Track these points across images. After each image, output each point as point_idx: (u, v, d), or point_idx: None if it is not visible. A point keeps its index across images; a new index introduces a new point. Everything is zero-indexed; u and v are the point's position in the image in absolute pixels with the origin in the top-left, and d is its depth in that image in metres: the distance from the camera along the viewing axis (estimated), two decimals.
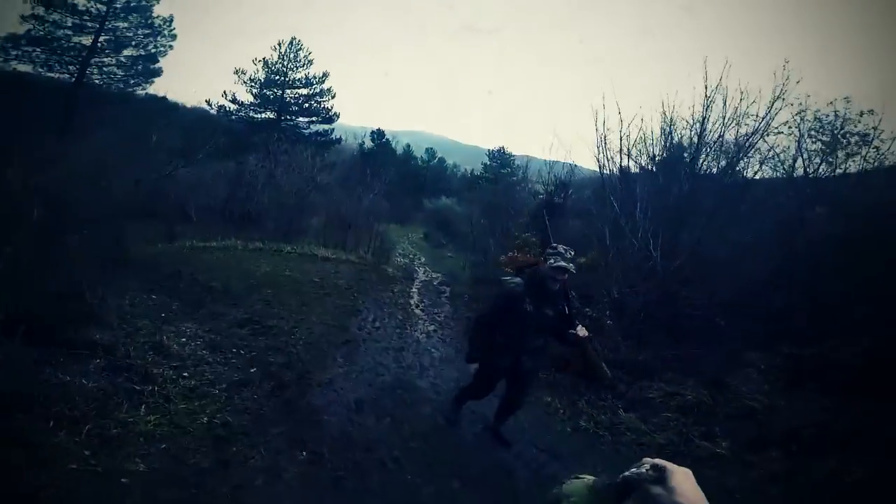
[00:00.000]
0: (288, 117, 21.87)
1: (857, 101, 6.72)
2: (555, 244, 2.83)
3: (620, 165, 6.34)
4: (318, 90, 21.85)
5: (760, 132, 5.70)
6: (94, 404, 2.88)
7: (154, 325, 4.46)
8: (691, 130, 6.03)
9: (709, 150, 5.96)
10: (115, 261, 6.27)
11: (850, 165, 6.71)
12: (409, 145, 31.90)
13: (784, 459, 3.21)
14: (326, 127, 22.49)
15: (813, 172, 6.84)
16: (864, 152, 6.63)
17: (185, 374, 3.68)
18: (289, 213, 12.32)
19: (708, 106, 5.77)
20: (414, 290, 8.99)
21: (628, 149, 6.27)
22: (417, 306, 7.61)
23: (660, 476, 0.69)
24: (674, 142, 6.34)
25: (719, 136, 5.82)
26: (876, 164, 6.52)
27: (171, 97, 17.52)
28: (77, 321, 3.89)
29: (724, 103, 5.70)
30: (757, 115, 5.65)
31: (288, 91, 21.48)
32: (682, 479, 0.69)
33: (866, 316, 4.28)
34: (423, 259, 13.91)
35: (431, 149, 34.19)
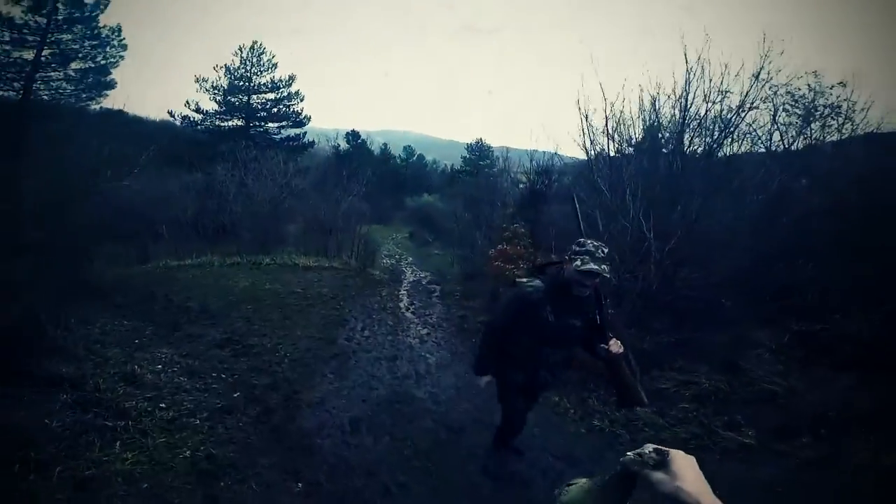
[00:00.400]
0: (257, 123, 21.38)
1: (829, 74, 6.79)
2: (582, 240, 2.29)
3: (607, 147, 6.17)
4: (285, 94, 21.37)
5: (745, 108, 5.59)
6: (64, 444, 2.68)
7: (125, 354, 4.24)
8: (674, 108, 5.91)
9: (693, 127, 5.84)
10: (81, 286, 6.09)
11: (826, 136, 6.80)
12: (385, 144, 31.72)
13: (815, 445, 3.03)
14: (298, 131, 22.11)
15: (790, 146, 6.90)
16: (837, 123, 6.70)
17: (162, 404, 3.44)
18: (265, 222, 11.86)
19: (690, 81, 5.64)
20: (402, 292, 8.74)
21: (613, 129, 6.10)
22: (408, 309, 7.35)
23: (662, 460, 0.67)
24: (659, 121, 6.19)
25: (704, 113, 5.70)
26: (850, 134, 6.60)
27: (147, 111, 16.82)
28: (38, 354, 3.64)
29: (704, 73, 5.58)
30: (742, 91, 5.54)
31: (254, 97, 20.96)
32: (685, 464, 0.67)
33: (868, 288, 4.18)
34: (409, 259, 13.67)
35: (409, 146, 34.19)
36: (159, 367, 4.12)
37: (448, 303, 7.89)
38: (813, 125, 6.83)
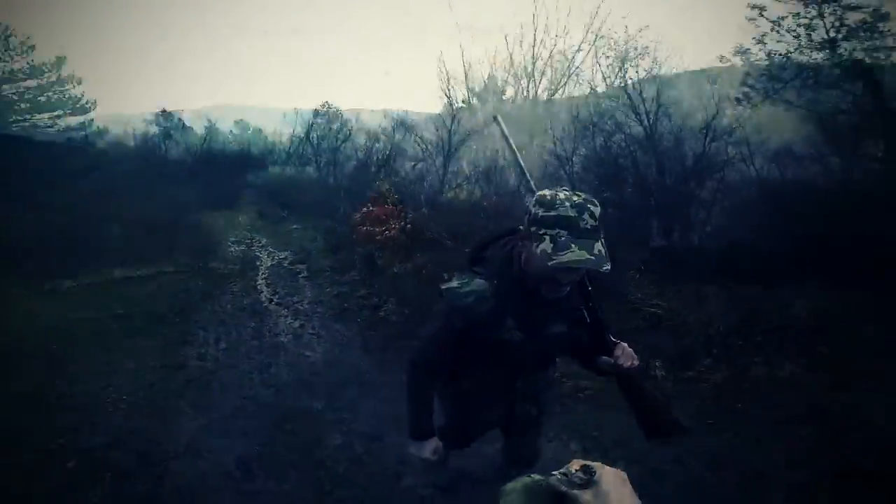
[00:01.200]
0: (18, 118, 16.78)
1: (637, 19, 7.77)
2: (549, 194, 1.27)
3: (466, 93, 5.98)
4: (53, 78, 17.21)
5: (582, 52, 5.89)
6: None
7: None
8: (521, 47, 5.96)
9: (539, 69, 6.03)
10: None
11: (645, 76, 7.75)
12: (210, 122, 27.47)
13: (717, 367, 3.16)
14: (81, 119, 18.06)
15: (611, 85, 7.75)
16: (645, 63, 7.71)
17: None
18: (55, 237, 9.10)
19: (537, 19, 5.67)
20: (260, 281, 7.50)
21: (466, 72, 5.88)
22: (271, 301, 6.35)
23: (589, 480, 0.65)
24: (512, 62, 6.22)
25: (548, 56, 5.86)
26: (658, 73, 7.63)
27: None
28: None
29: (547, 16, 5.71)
30: (585, 30, 5.81)
31: (7, 86, 16.46)
32: (614, 482, 0.65)
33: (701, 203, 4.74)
34: (263, 241, 12.11)
35: (242, 120, 30.23)
36: None
37: (319, 282, 7.01)
38: (627, 65, 7.72)
